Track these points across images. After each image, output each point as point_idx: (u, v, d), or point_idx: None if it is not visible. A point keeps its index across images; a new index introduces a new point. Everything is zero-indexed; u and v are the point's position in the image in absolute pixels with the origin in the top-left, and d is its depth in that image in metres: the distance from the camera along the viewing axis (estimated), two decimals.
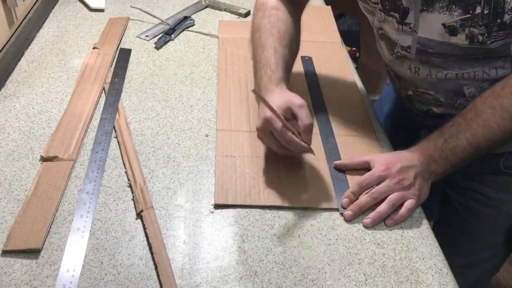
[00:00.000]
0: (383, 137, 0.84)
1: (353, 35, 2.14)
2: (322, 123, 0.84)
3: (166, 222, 0.66)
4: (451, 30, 0.68)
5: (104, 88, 0.90)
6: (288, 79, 0.78)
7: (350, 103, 0.90)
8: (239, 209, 0.68)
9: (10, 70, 0.93)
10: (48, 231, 0.63)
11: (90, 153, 0.75)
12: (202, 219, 0.67)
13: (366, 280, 0.60)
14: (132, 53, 1.02)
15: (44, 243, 0.61)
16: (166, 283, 0.57)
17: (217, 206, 0.68)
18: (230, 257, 0.62)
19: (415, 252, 0.64)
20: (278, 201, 0.69)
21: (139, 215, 0.66)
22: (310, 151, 0.70)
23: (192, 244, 0.63)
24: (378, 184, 0.68)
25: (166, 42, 1.06)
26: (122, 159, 0.75)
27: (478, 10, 0.65)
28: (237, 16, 1.20)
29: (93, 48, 1.01)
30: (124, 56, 1.00)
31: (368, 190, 0.69)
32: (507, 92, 0.67)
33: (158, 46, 1.04)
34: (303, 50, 1.04)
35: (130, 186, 0.71)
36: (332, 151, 0.78)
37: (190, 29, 1.13)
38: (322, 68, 1.00)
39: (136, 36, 1.08)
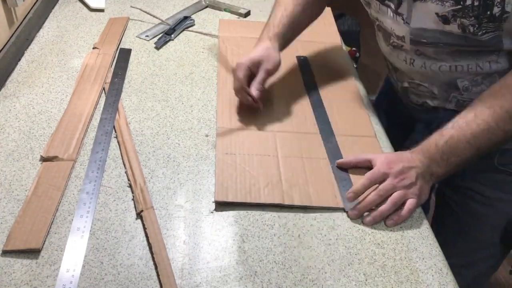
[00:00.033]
0: (383, 137, 0.84)
1: (353, 35, 2.14)
2: (322, 123, 0.84)
3: (166, 222, 0.66)
4: (444, 19, 0.70)
5: (104, 88, 0.90)
6: (291, 37, 0.91)
7: (350, 103, 0.90)
8: (239, 209, 0.68)
9: (10, 70, 0.93)
10: (48, 231, 0.63)
11: (90, 153, 0.75)
12: (202, 219, 0.67)
13: (366, 280, 0.60)
14: (132, 53, 1.02)
15: (44, 243, 0.61)
16: (166, 283, 0.57)
17: (217, 206, 0.68)
18: (230, 257, 0.62)
19: (415, 252, 0.64)
20: (278, 199, 0.69)
21: (139, 215, 0.66)
22: (255, 105, 0.82)
23: (192, 244, 0.63)
24: (381, 182, 0.68)
25: (166, 42, 1.06)
26: (122, 159, 0.75)
27: (469, 1, 0.66)
28: (237, 16, 1.20)
29: (93, 48, 1.01)
30: (124, 56, 1.00)
31: (372, 188, 0.69)
32: (505, 92, 0.67)
33: (158, 46, 1.04)
34: (303, 50, 1.04)
35: (130, 186, 0.71)
36: (333, 150, 0.78)
37: (190, 29, 1.13)
38: (322, 68, 1.00)
39: (136, 36, 1.08)
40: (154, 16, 1.16)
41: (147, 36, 1.08)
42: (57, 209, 0.66)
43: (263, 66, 0.83)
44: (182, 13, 1.18)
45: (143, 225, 0.65)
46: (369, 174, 0.69)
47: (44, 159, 0.73)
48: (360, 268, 0.62)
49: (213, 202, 0.69)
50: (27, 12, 1.05)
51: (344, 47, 1.10)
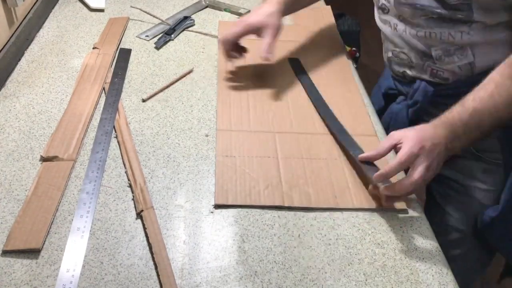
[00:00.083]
0: (383, 136, 0.84)
1: (353, 35, 2.15)
2: (331, 120, 0.84)
3: (166, 222, 0.66)
4: None
5: (104, 88, 0.90)
6: (295, 8, 0.98)
7: (350, 103, 0.90)
8: (239, 209, 0.68)
9: (10, 70, 0.93)
10: (48, 231, 0.63)
11: (90, 153, 0.75)
12: (202, 219, 0.67)
13: (366, 280, 0.60)
14: (132, 53, 1.02)
15: (44, 243, 0.61)
16: (166, 283, 0.57)
17: (217, 206, 0.68)
18: (230, 257, 0.62)
19: (415, 252, 0.64)
20: (278, 201, 0.69)
21: (139, 215, 0.66)
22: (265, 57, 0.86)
23: (192, 244, 0.63)
24: (411, 162, 0.65)
25: (166, 42, 1.06)
26: (122, 159, 0.75)
27: None
28: (237, 16, 1.20)
29: (93, 48, 1.01)
30: (124, 56, 1.00)
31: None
32: None
33: (158, 46, 1.04)
34: (303, 50, 1.04)
35: (130, 186, 0.71)
36: (352, 143, 0.78)
37: (190, 29, 1.13)
38: (322, 68, 1.00)
39: (136, 36, 1.08)
40: (154, 16, 1.16)
41: (147, 36, 1.08)
42: (57, 209, 0.66)
43: (267, 32, 0.87)
44: (182, 13, 1.18)
45: (143, 225, 0.65)
46: (401, 156, 0.64)
47: (44, 159, 0.73)
48: (360, 268, 0.62)
49: (212, 205, 0.69)
50: (27, 12, 1.05)
51: (344, 47, 1.10)
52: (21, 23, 1.02)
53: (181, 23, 1.12)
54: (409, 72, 0.88)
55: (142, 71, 0.96)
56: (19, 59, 0.97)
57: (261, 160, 0.76)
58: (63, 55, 0.99)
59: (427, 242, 0.66)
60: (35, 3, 1.09)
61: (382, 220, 0.68)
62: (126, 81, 0.93)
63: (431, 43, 0.81)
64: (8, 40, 0.95)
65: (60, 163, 0.73)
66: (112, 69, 0.96)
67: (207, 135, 0.81)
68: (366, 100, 0.93)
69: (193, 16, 1.17)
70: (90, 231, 0.64)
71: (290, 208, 0.69)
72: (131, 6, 1.20)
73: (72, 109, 0.84)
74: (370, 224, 0.68)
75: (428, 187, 0.95)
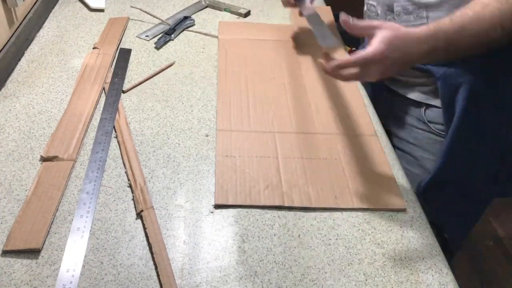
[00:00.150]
0: (383, 136, 0.84)
1: (353, 35, 2.14)
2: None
3: (166, 222, 0.66)
4: None
5: (104, 88, 0.90)
6: None
7: (350, 102, 0.90)
8: (239, 209, 0.68)
9: (10, 70, 0.93)
10: (48, 231, 0.63)
11: (90, 153, 0.75)
12: (202, 219, 0.67)
13: (366, 280, 0.60)
14: (132, 53, 1.02)
15: (44, 243, 0.61)
16: (166, 283, 0.57)
17: (217, 206, 0.68)
18: (230, 257, 0.62)
19: (415, 252, 0.64)
20: (278, 201, 0.69)
21: (139, 215, 0.66)
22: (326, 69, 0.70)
23: (192, 244, 0.63)
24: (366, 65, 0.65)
25: (166, 42, 1.06)
26: (122, 159, 0.75)
27: None
28: (237, 16, 1.20)
29: (93, 48, 1.01)
30: (124, 56, 1.00)
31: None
32: None
33: (158, 46, 1.04)
34: (303, 51, 1.04)
35: (130, 186, 0.71)
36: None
37: (190, 29, 1.13)
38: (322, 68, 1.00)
39: (136, 36, 1.08)
40: (154, 16, 1.16)
41: (147, 36, 1.08)
42: (57, 209, 0.66)
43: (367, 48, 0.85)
44: (182, 13, 1.18)
45: (143, 225, 0.65)
46: (361, 57, 0.64)
47: (44, 159, 0.73)
48: (360, 268, 0.62)
49: (212, 205, 0.69)
50: (27, 12, 1.05)
51: (344, 47, 1.10)
52: (21, 23, 1.02)
53: (181, 23, 1.12)
54: None
55: (142, 71, 0.96)
56: (19, 59, 0.97)
57: (261, 160, 0.76)
58: (63, 55, 0.99)
59: (427, 242, 0.66)
60: (35, 3, 1.09)
61: (382, 220, 0.68)
62: (126, 81, 0.93)
63: None
64: (8, 40, 0.95)
65: (60, 163, 0.73)
66: (112, 69, 0.96)
67: (207, 135, 0.81)
68: (366, 100, 0.93)
69: (193, 16, 1.17)
70: (90, 231, 0.64)
71: (290, 208, 0.69)
72: (131, 6, 1.20)
73: (72, 109, 0.84)
74: (370, 224, 0.68)
75: None
